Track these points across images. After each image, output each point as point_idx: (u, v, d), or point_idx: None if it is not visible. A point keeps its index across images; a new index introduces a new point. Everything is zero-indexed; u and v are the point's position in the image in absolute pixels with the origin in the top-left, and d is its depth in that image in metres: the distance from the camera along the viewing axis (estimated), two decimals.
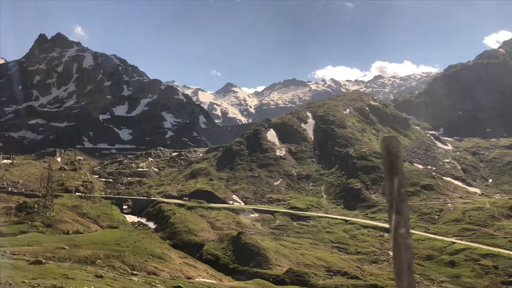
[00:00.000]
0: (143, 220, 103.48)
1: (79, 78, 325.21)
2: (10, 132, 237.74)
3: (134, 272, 36.49)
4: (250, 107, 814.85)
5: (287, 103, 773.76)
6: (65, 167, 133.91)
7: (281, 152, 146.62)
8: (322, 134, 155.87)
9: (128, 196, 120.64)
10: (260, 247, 67.00)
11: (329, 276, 61.41)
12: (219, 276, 50.96)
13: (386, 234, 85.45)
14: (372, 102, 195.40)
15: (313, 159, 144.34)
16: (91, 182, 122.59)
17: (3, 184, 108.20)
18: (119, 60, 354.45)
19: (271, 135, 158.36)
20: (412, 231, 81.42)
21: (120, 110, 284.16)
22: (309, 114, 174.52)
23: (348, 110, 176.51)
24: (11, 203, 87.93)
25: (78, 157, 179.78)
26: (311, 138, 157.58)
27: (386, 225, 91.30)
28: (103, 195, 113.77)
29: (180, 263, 48.12)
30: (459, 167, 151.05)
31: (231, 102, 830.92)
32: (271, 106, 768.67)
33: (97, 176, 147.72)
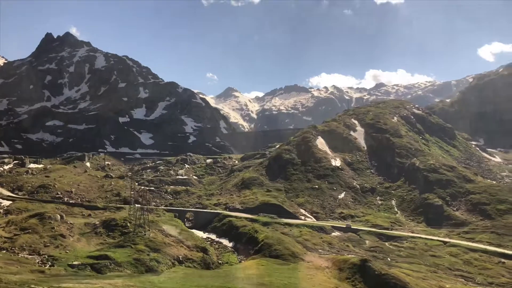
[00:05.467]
0: (213, 236, 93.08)
1: (92, 79, 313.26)
2: (27, 134, 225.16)
3: None
4: (252, 112, 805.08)
5: (289, 109, 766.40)
6: (111, 174, 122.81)
7: (336, 161, 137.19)
8: (376, 144, 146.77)
9: (184, 208, 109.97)
10: (401, 279, 57.33)
11: None
12: None
13: (504, 260, 76.24)
14: (415, 111, 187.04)
15: (372, 170, 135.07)
16: (145, 192, 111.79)
17: (57, 194, 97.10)
18: (132, 61, 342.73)
19: (321, 143, 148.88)
20: None
21: (139, 113, 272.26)
22: (355, 122, 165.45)
23: (395, 118, 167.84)
24: (81, 218, 76.98)
25: (107, 162, 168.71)
26: (364, 147, 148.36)
27: (496, 249, 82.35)
28: (164, 208, 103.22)
29: None
30: None
31: (232, 106, 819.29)
32: (273, 112, 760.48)
33: (136, 184, 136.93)
